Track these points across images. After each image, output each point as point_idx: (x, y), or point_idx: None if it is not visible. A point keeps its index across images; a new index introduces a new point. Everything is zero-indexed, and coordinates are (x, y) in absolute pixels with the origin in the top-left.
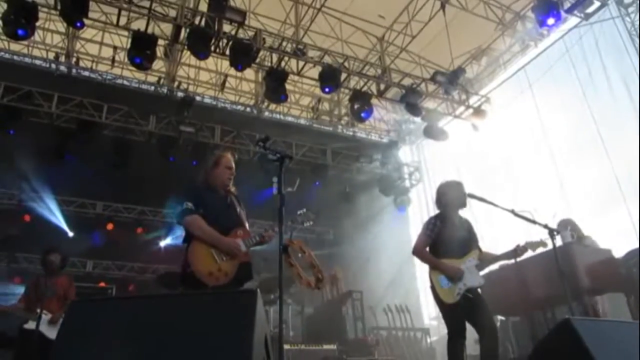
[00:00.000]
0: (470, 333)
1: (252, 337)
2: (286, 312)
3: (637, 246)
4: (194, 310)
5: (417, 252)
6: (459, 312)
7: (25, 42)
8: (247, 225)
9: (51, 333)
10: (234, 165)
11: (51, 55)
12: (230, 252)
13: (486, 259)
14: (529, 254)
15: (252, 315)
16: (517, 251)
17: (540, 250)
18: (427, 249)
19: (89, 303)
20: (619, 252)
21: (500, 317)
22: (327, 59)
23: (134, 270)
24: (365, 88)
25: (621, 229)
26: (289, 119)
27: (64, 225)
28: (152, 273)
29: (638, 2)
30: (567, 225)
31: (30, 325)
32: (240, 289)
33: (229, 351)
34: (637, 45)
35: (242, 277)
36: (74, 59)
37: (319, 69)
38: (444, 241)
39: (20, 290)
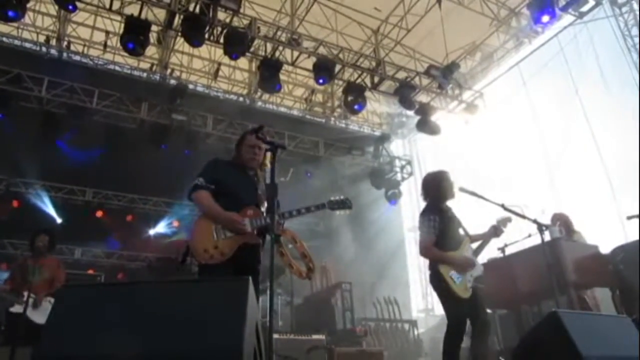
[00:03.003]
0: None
1: (243, 324)
2: (275, 302)
3: (624, 242)
4: (186, 297)
5: (427, 252)
6: (467, 306)
7: (15, 24)
8: (263, 207)
9: (36, 317)
10: (261, 143)
11: (42, 38)
12: (230, 227)
13: (475, 242)
14: (517, 247)
15: (244, 302)
16: (496, 230)
17: (529, 244)
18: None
19: (81, 288)
20: (607, 248)
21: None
22: (322, 50)
23: (123, 258)
24: (359, 80)
25: (610, 225)
26: (282, 109)
27: (52, 212)
28: (142, 261)
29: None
30: (557, 220)
31: (17, 308)
32: (232, 276)
33: (220, 338)
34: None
35: (243, 259)
36: (65, 43)
37: (313, 59)
38: (443, 235)
39: (6, 276)
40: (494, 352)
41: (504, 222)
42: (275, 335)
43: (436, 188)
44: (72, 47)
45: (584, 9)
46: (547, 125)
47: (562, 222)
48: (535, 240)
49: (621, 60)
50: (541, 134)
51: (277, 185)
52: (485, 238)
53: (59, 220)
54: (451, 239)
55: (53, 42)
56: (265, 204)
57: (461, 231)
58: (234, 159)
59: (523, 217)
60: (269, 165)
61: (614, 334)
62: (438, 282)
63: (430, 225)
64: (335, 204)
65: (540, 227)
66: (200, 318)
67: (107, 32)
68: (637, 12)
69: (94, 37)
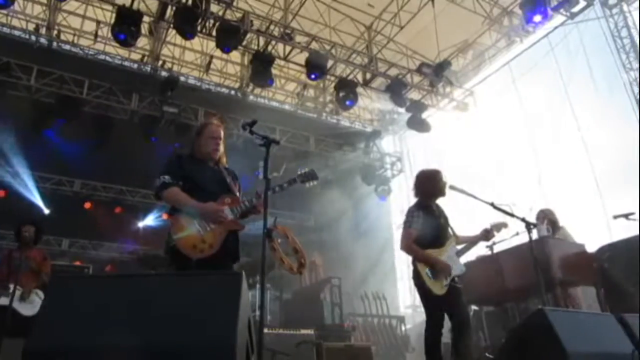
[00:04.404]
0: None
1: (236, 318)
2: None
3: (610, 241)
4: (179, 290)
5: (406, 247)
6: (443, 303)
7: (5, 12)
8: (238, 194)
9: (23, 309)
10: (221, 134)
11: (31, 27)
12: (212, 218)
13: (462, 243)
14: (505, 245)
15: (237, 297)
16: (487, 234)
17: (516, 242)
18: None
19: (72, 279)
20: (592, 246)
21: (474, 307)
22: (315, 45)
23: (111, 250)
24: (351, 76)
25: (595, 224)
26: (274, 103)
27: (40, 202)
28: (130, 254)
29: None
30: (544, 216)
31: (3, 301)
32: (225, 270)
33: (214, 332)
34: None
35: (230, 248)
36: (55, 32)
37: (305, 54)
38: (426, 231)
39: None
40: (481, 348)
41: (498, 227)
42: (264, 330)
43: (428, 186)
44: (62, 37)
45: (575, 9)
46: (536, 124)
47: (548, 218)
48: (523, 238)
49: (610, 61)
50: (530, 132)
51: (270, 180)
52: (473, 240)
53: (46, 211)
54: (435, 237)
55: (43, 30)
56: (238, 193)
57: (449, 230)
58: (193, 152)
59: (512, 215)
60: (224, 159)
61: (598, 331)
62: (416, 277)
63: (412, 221)
64: (304, 176)
65: (528, 226)
66: (194, 311)
67: (98, 22)
68: (627, 14)
69: (84, 26)
